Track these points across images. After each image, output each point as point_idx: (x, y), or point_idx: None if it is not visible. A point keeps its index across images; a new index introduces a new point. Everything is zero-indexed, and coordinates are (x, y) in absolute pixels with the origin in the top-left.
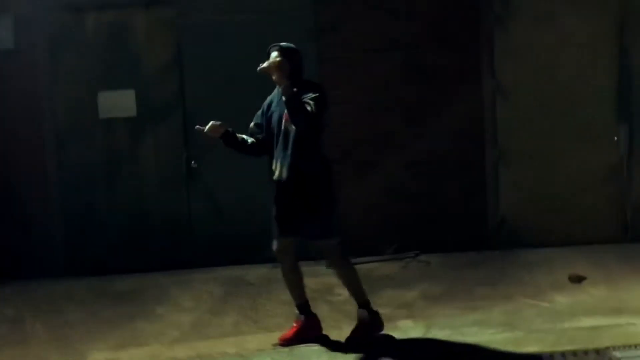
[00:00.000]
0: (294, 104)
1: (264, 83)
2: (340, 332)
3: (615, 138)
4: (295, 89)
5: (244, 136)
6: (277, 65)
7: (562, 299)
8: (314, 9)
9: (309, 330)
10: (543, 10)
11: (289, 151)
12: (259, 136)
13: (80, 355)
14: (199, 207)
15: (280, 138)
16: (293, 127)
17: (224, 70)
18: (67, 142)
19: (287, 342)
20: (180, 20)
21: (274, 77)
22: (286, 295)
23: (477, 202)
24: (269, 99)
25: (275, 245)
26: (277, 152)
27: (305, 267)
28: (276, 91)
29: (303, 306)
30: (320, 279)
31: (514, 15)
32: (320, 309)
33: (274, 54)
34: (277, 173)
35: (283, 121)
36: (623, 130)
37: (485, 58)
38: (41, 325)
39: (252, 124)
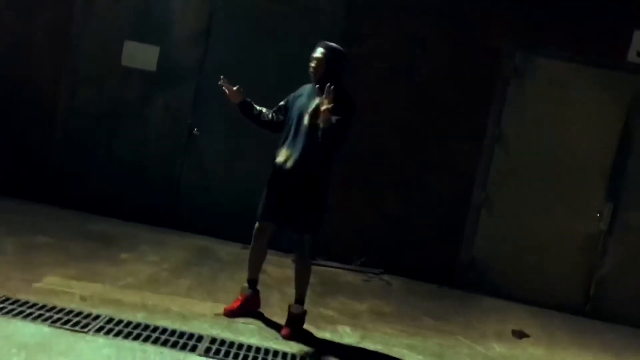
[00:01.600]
0: (329, 134)
1: (281, 74)
2: (284, 319)
3: (598, 214)
4: (334, 119)
5: (263, 110)
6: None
7: (498, 349)
8: (346, 17)
9: (251, 304)
10: (560, 77)
11: (301, 146)
12: (281, 117)
13: (38, 276)
14: (190, 173)
15: (295, 130)
16: (306, 124)
17: (247, 51)
18: (84, 80)
19: (231, 314)
20: None
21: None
22: (246, 277)
23: (452, 238)
24: (300, 89)
25: (257, 224)
26: (289, 142)
27: (274, 257)
28: (310, 87)
29: (253, 282)
30: (283, 270)
31: (532, 73)
32: (273, 297)
33: (319, 49)
34: (282, 159)
35: (305, 117)
36: (607, 208)
37: (495, 106)
38: (12, 242)
39: (279, 104)
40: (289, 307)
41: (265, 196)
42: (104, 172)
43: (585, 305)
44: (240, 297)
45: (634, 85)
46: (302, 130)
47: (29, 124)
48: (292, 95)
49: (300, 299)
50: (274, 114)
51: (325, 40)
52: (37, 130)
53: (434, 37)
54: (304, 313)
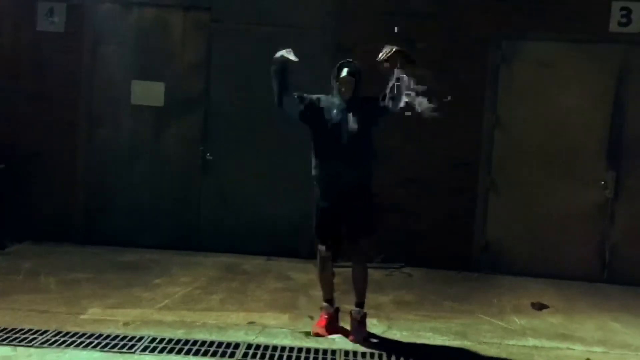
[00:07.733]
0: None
1: None
2: (311, 321)
3: (602, 182)
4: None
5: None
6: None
7: (518, 321)
8: (335, 30)
9: (335, 322)
10: (547, 57)
11: (351, 154)
12: (295, 95)
13: (82, 308)
14: (208, 196)
15: (336, 141)
16: (353, 133)
17: (247, 74)
18: (98, 121)
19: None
20: (214, 25)
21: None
22: (273, 285)
23: (465, 225)
24: (325, 99)
25: (322, 252)
26: (334, 153)
27: (298, 264)
28: (337, 102)
29: (331, 300)
30: (309, 276)
31: (519, 57)
32: (299, 301)
33: (347, 71)
34: (332, 171)
35: (350, 127)
36: (610, 175)
37: (489, 93)
38: (53, 280)
39: (304, 95)
40: (351, 312)
41: (320, 222)
42: (128, 207)
43: (602, 271)
44: (326, 316)
45: (619, 54)
46: (349, 140)
47: (54, 175)
48: (314, 97)
49: (361, 303)
50: (296, 95)
51: (319, 52)
52: (61, 179)
53: (424, 36)
54: (365, 316)
